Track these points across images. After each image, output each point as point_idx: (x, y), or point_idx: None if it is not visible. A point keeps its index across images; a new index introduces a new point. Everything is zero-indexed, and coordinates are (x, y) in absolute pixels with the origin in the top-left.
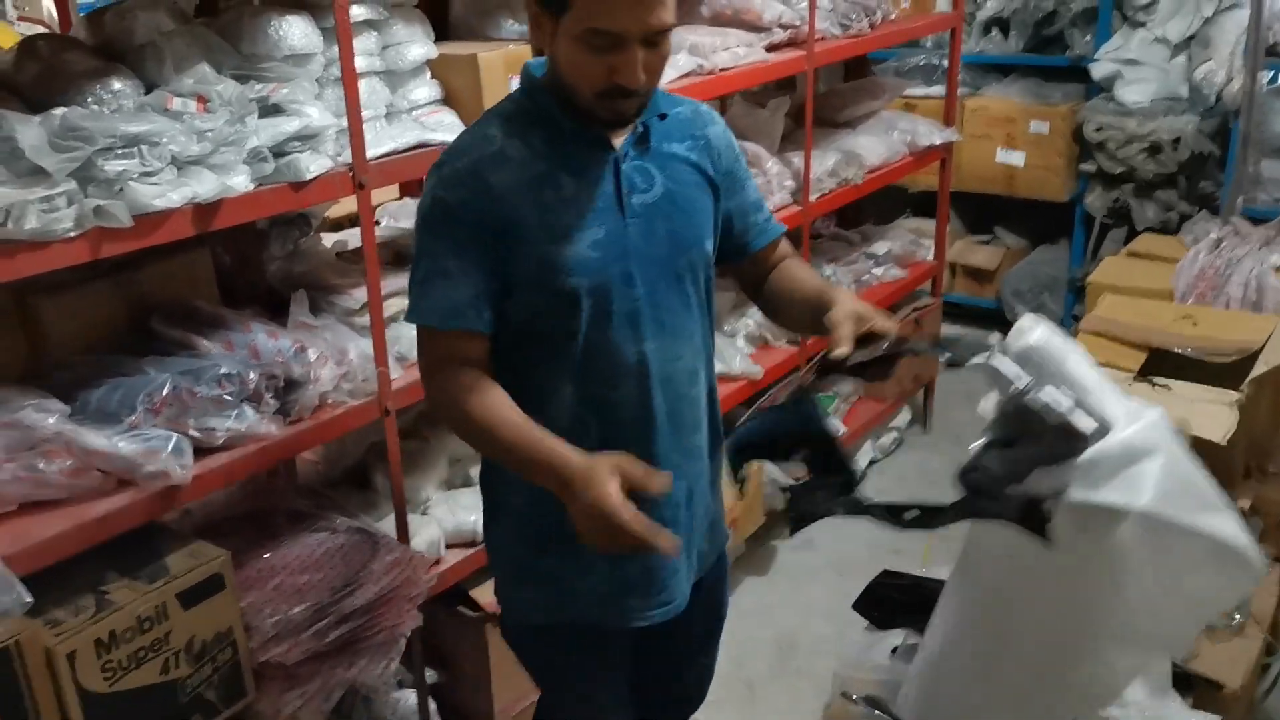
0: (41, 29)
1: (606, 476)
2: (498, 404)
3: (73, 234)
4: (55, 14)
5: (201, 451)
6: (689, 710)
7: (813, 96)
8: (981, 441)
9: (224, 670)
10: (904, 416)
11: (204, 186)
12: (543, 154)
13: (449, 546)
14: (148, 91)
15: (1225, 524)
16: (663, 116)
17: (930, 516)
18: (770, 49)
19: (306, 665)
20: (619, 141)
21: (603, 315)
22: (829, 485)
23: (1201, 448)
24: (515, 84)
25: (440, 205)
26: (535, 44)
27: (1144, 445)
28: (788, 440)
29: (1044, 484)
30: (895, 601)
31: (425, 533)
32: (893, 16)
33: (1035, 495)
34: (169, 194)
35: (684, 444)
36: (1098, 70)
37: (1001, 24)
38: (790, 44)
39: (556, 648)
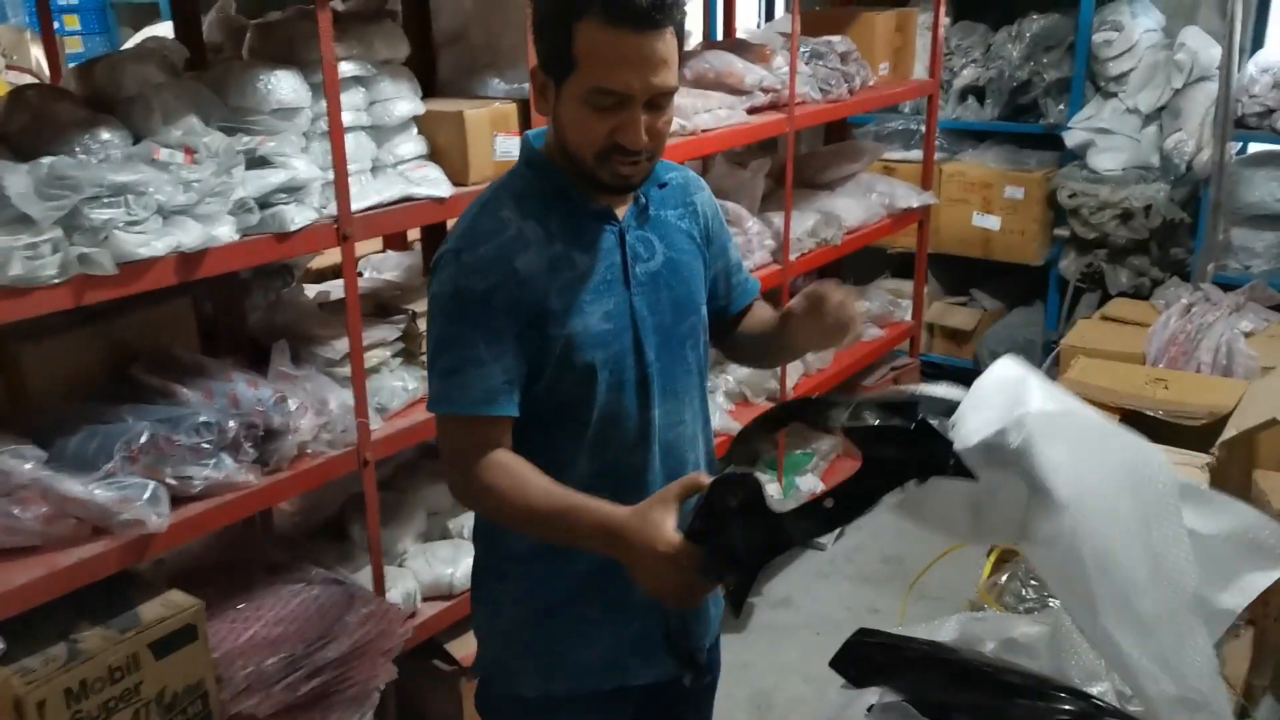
0: (30, 79)
1: (660, 520)
2: (529, 477)
3: (57, 280)
4: (45, 64)
5: (178, 500)
6: None
7: (793, 158)
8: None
9: None
10: None
11: (189, 236)
12: (556, 234)
13: (425, 599)
14: (136, 142)
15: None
16: (662, 185)
17: (848, 503)
18: (751, 111)
19: (277, 718)
20: (622, 212)
21: (616, 385)
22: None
23: None
24: (501, 142)
25: (467, 293)
26: (540, 111)
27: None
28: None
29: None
30: (872, 661)
31: (401, 585)
32: (871, 83)
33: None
34: (154, 243)
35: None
36: (1071, 138)
37: (977, 92)
38: (771, 107)
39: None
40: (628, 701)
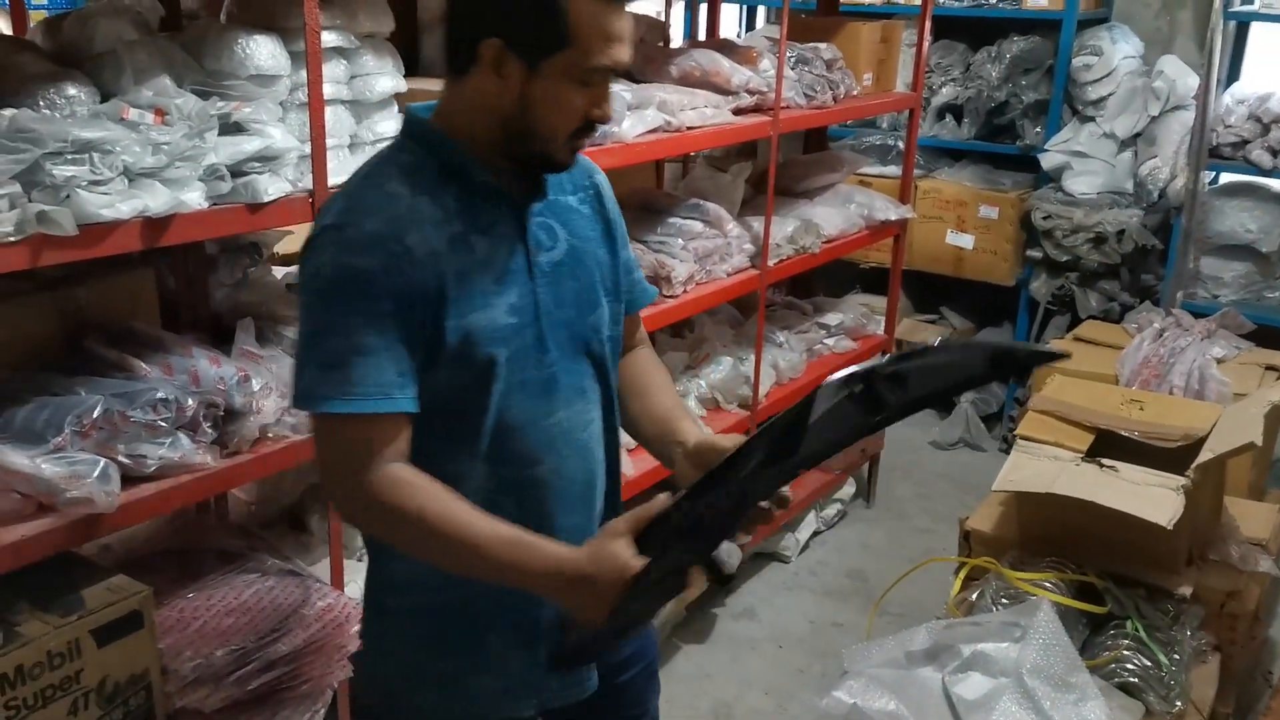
0: None
1: (625, 558)
2: (449, 499)
3: (13, 239)
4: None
5: (130, 479)
6: None
7: (775, 162)
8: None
9: (136, 714)
10: (848, 489)
11: (156, 200)
12: (454, 213)
13: None
14: (104, 100)
15: None
16: None
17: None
18: (736, 112)
19: (224, 713)
20: (519, 194)
21: (517, 386)
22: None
23: (1147, 531)
24: None
25: (350, 272)
26: (476, 91)
27: None
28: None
29: None
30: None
31: (361, 579)
32: (855, 92)
33: None
34: (118, 205)
35: (592, 512)
36: (1047, 160)
37: (955, 110)
38: (756, 109)
39: None
40: None
